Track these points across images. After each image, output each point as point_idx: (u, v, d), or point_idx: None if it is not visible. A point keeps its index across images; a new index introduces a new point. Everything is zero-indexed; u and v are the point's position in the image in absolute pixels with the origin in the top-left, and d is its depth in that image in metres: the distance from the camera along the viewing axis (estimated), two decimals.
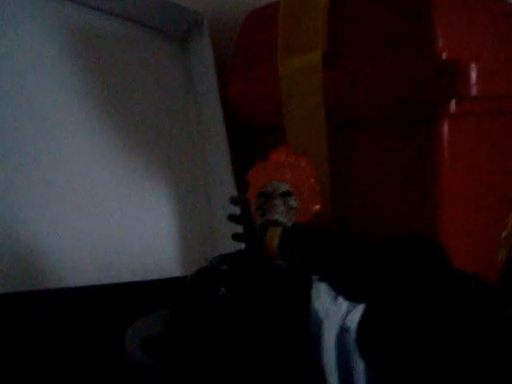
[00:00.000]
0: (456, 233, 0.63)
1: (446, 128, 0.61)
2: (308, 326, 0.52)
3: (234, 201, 0.59)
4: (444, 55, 0.60)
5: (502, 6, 0.70)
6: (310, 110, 0.67)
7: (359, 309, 0.57)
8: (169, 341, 0.49)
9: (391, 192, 0.65)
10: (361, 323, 0.49)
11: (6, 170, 0.68)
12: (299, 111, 0.69)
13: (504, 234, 0.73)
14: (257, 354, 0.49)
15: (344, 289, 0.52)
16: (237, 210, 0.60)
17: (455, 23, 0.62)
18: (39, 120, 0.71)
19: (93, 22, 0.76)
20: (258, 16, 0.77)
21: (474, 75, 0.58)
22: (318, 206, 0.51)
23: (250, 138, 0.80)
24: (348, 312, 0.57)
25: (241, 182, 0.72)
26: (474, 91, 0.59)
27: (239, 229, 0.61)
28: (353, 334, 0.57)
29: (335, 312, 0.57)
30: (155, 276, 0.69)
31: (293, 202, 0.50)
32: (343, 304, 0.57)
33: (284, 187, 0.50)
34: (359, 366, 0.57)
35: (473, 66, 0.58)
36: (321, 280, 0.53)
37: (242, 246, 0.61)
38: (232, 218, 0.59)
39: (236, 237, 0.59)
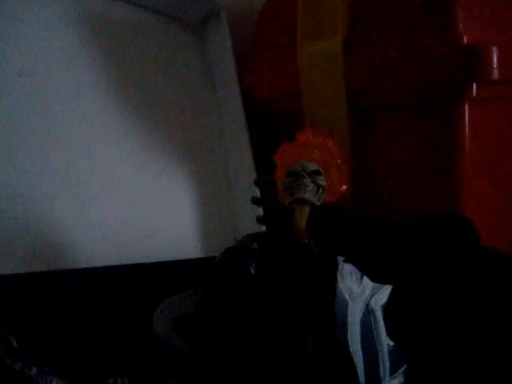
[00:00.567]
0: (478, 214, 0.63)
1: (467, 112, 0.61)
2: (334, 307, 0.52)
3: (258, 183, 0.59)
4: (465, 39, 0.60)
5: None
6: (330, 95, 0.67)
7: (384, 291, 0.57)
8: (199, 320, 0.49)
9: (412, 176, 0.65)
10: (389, 304, 0.49)
11: (27, 154, 0.68)
12: (319, 97, 0.69)
13: None
14: (285, 334, 0.49)
15: (370, 270, 0.52)
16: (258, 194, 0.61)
17: (476, 7, 0.62)
18: (60, 107, 0.71)
19: (111, 10, 0.77)
20: (277, 2, 0.77)
21: (495, 59, 0.58)
22: (345, 187, 0.51)
23: (269, 124, 0.80)
24: (373, 294, 0.57)
25: (260, 167, 0.73)
26: (495, 75, 0.59)
27: (260, 211, 0.61)
28: (378, 316, 0.57)
29: (360, 294, 0.57)
30: (177, 258, 0.69)
31: (322, 181, 0.50)
32: (368, 286, 0.57)
33: (313, 166, 0.50)
34: (384, 347, 0.57)
35: (494, 49, 0.58)
36: (346, 261, 0.53)
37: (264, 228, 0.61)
38: (255, 200, 0.59)
39: (260, 219, 0.59)
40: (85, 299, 0.63)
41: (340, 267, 0.53)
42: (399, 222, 0.51)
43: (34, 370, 0.46)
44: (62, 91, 0.71)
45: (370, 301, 0.57)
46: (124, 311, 0.63)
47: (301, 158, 0.51)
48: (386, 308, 0.50)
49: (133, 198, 0.72)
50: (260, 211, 0.65)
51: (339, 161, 0.51)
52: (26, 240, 0.65)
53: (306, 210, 0.49)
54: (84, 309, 0.63)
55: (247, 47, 0.82)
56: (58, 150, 0.70)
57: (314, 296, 0.50)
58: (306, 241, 0.50)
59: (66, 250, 0.66)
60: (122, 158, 0.74)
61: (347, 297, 0.56)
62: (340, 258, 0.53)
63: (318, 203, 0.49)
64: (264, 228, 0.64)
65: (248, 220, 0.67)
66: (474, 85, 0.59)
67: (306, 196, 0.49)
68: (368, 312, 0.57)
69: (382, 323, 0.57)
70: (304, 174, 0.49)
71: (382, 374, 0.57)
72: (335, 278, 0.52)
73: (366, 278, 0.56)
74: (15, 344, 0.49)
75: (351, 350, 0.54)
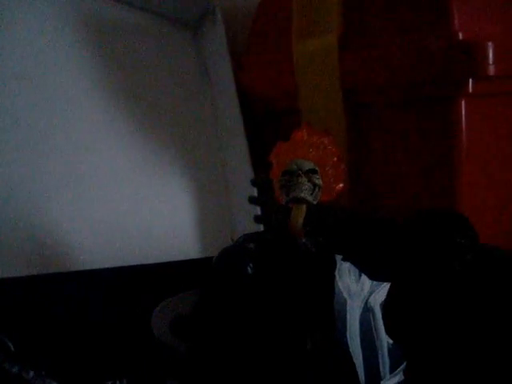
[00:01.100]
0: (474, 210, 0.63)
1: (463, 108, 0.61)
2: (333, 305, 0.52)
3: (255, 182, 0.59)
4: (461, 35, 0.60)
5: None
6: (326, 92, 0.67)
7: (382, 288, 0.57)
8: (197, 320, 0.49)
9: (409, 172, 0.65)
10: (387, 301, 0.49)
11: (27, 155, 0.68)
12: (315, 94, 0.69)
13: None
14: (283, 333, 0.49)
15: (368, 267, 0.52)
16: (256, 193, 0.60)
17: (472, 2, 0.62)
18: (59, 108, 0.71)
19: (107, 11, 0.77)
20: (272, 0, 0.77)
21: (491, 54, 0.58)
22: (341, 185, 0.50)
23: (265, 122, 0.80)
24: (371, 292, 0.57)
25: (257, 166, 0.73)
26: (491, 71, 0.59)
27: (258, 211, 0.61)
28: (377, 314, 0.57)
29: (358, 292, 0.57)
30: (173, 258, 0.69)
31: (318, 179, 0.49)
32: (366, 284, 0.57)
33: (309, 165, 0.49)
34: (383, 345, 0.57)
35: (490, 45, 0.58)
36: (344, 260, 0.53)
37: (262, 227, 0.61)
38: (252, 199, 0.59)
39: (257, 219, 0.59)
40: (82, 301, 0.63)
41: (338, 266, 0.53)
42: (396, 219, 0.51)
43: (32, 373, 0.46)
44: (60, 91, 0.72)
45: (368, 299, 0.57)
46: (122, 313, 0.63)
47: (296, 156, 0.50)
48: (384, 306, 0.50)
49: (130, 199, 0.72)
50: (257, 210, 0.64)
51: (335, 159, 0.51)
52: (24, 242, 0.65)
53: (303, 209, 0.49)
54: (81, 311, 0.63)
55: (243, 45, 0.81)
56: (55, 151, 0.70)
57: (313, 295, 0.50)
58: (303, 240, 0.49)
59: (63, 252, 0.66)
60: (118, 158, 0.74)
61: (346, 295, 0.56)
62: (338, 257, 0.53)
63: (314, 202, 0.49)
64: (262, 227, 0.63)
65: (245, 219, 0.67)
66: (470, 81, 0.59)
67: (303, 195, 0.48)
68: (367, 310, 0.57)
69: (381, 321, 0.56)
70: (300, 172, 0.49)
71: (382, 372, 0.57)
72: (334, 277, 0.52)
73: (364, 276, 0.56)
74: (12, 348, 0.49)
75: (351, 348, 0.54)
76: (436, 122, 0.62)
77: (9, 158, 0.67)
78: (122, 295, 0.64)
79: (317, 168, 0.50)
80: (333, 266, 0.52)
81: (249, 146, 0.76)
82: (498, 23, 0.63)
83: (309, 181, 0.49)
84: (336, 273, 0.53)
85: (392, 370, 0.57)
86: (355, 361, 0.54)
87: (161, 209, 0.73)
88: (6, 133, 0.68)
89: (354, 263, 0.53)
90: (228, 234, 0.75)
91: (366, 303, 0.57)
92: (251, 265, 0.47)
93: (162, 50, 0.79)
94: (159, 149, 0.76)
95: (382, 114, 0.66)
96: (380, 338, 0.57)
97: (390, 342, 0.57)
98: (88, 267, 0.65)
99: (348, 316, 0.56)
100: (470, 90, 0.59)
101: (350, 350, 0.54)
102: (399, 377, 0.57)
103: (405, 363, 0.55)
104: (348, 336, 0.55)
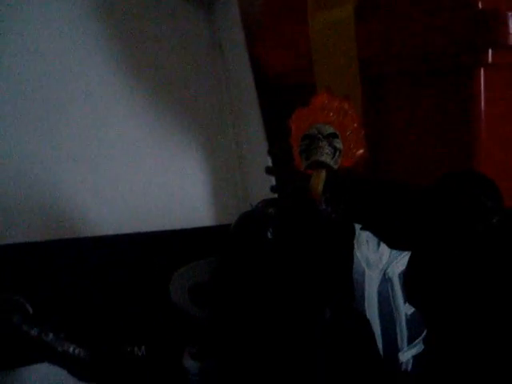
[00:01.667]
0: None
1: (482, 78, 0.60)
2: (352, 275, 0.51)
3: (272, 152, 0.58)
4: (480, 4, 0.59)
5: None
6: (342, 64, 0.66)
7: (401, 259, 0.56)
8: (216, 287, 0.48)
9: (427, 143, 0.64)
10: (408, 269, 0.48)
11: (43, 127, 0.68)
12: (331, 67, 0.68)
13: None
14: (302, 301, 0.48)
15: (388, 236, 0.52)
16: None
17: None
18: (74, 80, 0.71)
19: None
20: None
21: (511, 24, 0.57)
22: (362, 150, 0.50)
23: (279, 96, 0.79)
24: (390, 262, 0.57)
25: (270, 138, 0.72)
26: (511, 40, 0.58)
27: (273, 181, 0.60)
28: (395, 285, 0.56)
29: (377, 262, 0.56)
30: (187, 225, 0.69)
31: (338, 143, 0.49)
32: (385, 254, 0.56)
33: (329, 129, 0.49)
34: (402, 316, 0.56)
35: (510, 14, 0.57)
36: (363, 229, 0.52)
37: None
38: (269, 170, 0.58)
39: (274, 189, 0.58)
40: (100, 267, 0.63)
41: (356, 235, 0.52)
42: (416, 186, 0.50)
43: (51, 335, 0.46)
44: (75, 63, 0.71)
45: (387, 269, 0.56)
46: (140, 279, 0.63)
47: (317, 121, 0.49)
48: (405, 274, 0.50)
49: (146, 169, 0.72)
50: (273, 181, 0.64)
51: (355, 124, 0.50)
52: (40, 209, 0.65)
53: (323, 174, 0.48)
54: (100, 277, 0.62)
55: (257, 18, 0.81)
56: (72, 122, 0.70)
57: (333, 262, 0.49)
58: (323, 206, 0.49)
59: (81, 218, 0.66)
60: (134, 130, 0.74)
61: (364, 265, 0.55)
62: (357, 226, 0.52)
63: (335, 167, 0.48)
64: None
65: (261, 190, 0.67)
66: (490, 50, 0.58)
67: (323, 158, 0.48)
68: (385, 280, 0.56)
69: (399, 292, 0.56)
70: (320, 136, 0.48)
71: (399, 343, 0.56)
72: (353, 245, 0.52)
73: (382, 246, 0.56)
74: (31, 311, 0.48)
75: (368, 317, 0.54)
76: (454, 92, 0.61)
77: (24, 129, 0.67)
78: (140, 261, 0.64)
79: (337, 132, 0.49)
80: (352, 234, 0.51)
81: (263, 119, 0.75)
82: None
83: (329, 145, 0.48)
84: (355, 242, 0.52)
85: (410, 341, 0.56)
86: (374, 329, 0.54)
87: (177, 178, 0.73)
88: (21, 104, 0.68)
89: (373, 232, 0.52)
90: (244, 204, 0.74)
91: (385, 274, 0.56)
92: (271, 230, 0.47)
93: (176, 24, 0.79)
94: (174, 122, 0.76)
95: (399, 86, 0.65)
96: (398, 308, 0.56)
97: (408, 313, 0.56)
98: (105, 233, 0.65)
99: (366, 286, 0.55)
100: (490, 59, 0.59)
101: (369, 319, 0.54)
102: (417, 348, 0.57)
103: (424, 333, 0.55)
104: (366, 306, 0.55)
